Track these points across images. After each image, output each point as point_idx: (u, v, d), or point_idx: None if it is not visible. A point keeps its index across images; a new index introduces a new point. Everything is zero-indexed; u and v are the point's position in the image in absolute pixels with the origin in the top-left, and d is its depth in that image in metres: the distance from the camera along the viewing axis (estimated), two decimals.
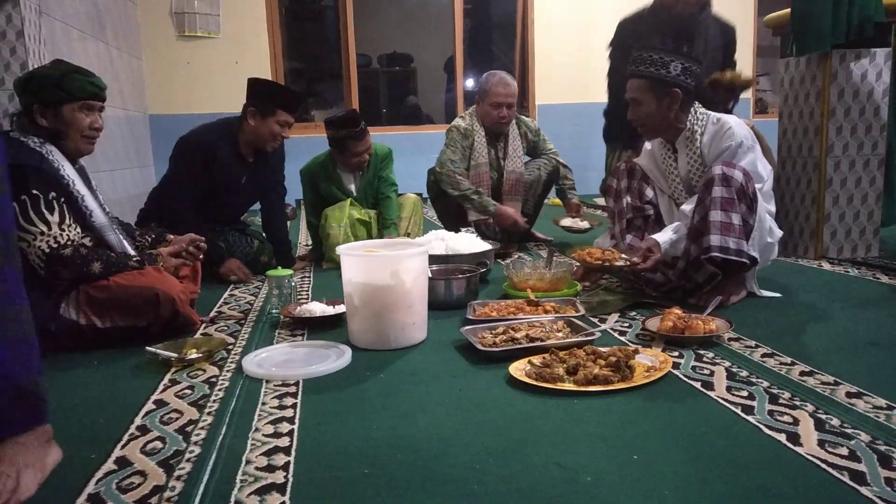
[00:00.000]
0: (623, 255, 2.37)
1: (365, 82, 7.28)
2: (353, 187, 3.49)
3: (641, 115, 2.39)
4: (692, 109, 2.39)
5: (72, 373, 1.89)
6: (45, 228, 2.00)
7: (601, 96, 6.49)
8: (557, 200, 4.16)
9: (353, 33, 6.62)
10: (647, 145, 2.60)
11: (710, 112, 2.40)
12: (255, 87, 3.07)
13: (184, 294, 2.18)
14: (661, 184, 2.54)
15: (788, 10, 3.07)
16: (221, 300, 2.71)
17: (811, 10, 2.80)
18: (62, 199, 2.05)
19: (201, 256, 2.44)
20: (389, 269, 1.94)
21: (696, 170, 2.40)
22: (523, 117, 3.86)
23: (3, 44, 3.48)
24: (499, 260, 3.19)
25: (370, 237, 3.39)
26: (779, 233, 2.43)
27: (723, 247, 2.19)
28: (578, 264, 2.48)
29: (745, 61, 7.19)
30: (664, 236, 2.31)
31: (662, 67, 2.32)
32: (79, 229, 2.09)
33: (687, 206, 2.34)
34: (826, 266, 2.99)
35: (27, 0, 3.56)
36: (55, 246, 2.00)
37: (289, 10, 7.00)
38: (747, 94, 7.25)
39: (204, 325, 2.32)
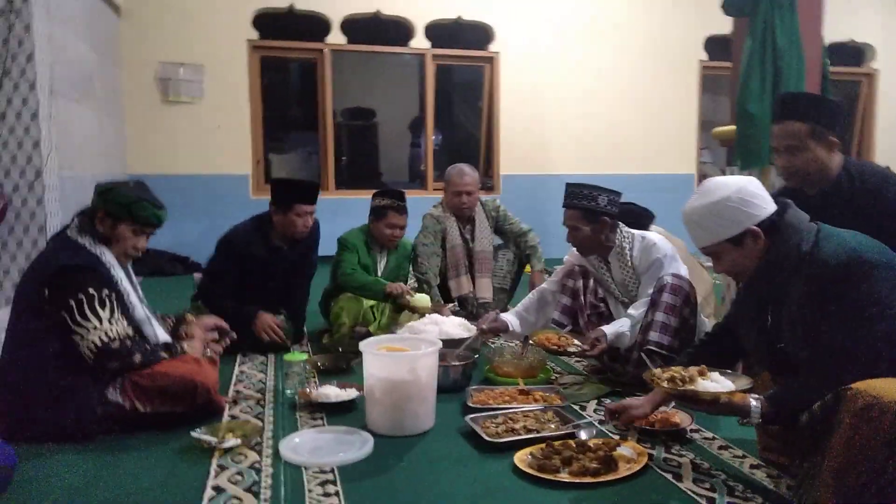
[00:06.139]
0: (576, 342, 2.79)
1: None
2: (381, 267, 3.80)
3: (579, 238, 2.86)
4: (618, 230, 2.86)
5: (128, 455, 2.14)
6: (97, 324, 2.24)
7: (560, 169, 7.03)
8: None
9: (331, 92, 6.92)
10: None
11: (633, 231, 2.88)
12: (274, 188, 3.46)
13: (216, 383, 2.44)
14: (604, 285, 2.98)
15: (732, 126, 3.58)
16: (234, 377, 2.95)
17: (752, 133, 3.30)
18: (113, 296, 2.31)
19: (227, 342, 2.71)
20: (408, 366, 2.26)
21: (630, 277, 2.87)
22: (486, 199, 4.26)
23: (18, 124, 3.70)
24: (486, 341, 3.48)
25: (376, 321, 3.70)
26: (706, 321, 2.89)
27: (659, 343, 2.64)
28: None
29: (688, 134, 7.83)
30: (610, 328, 2.75)
31: (592, 200, 2.78)
32: (125, 323, 2.33)
33: (633, 310, 2.78)
34: None
35: (42, 82, 3.80)
36: (106, 340, 2.24)
37: (263, 67, 7.19)
38: (691, 170, 7.86)
39: (228, 405, 2.58)
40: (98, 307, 2.25)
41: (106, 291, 2.28)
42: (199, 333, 2.69)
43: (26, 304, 2.32)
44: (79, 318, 2.22)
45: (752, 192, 1.82)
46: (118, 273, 2.39)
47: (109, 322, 2.26)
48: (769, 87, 3.59)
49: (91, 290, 2.25)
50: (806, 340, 1.77)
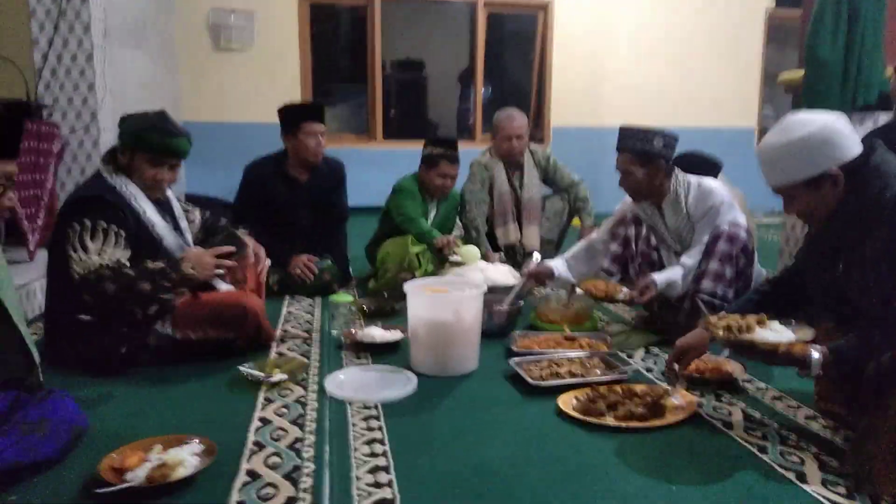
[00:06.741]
0: (624, 289, 2.71)
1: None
2: (430, 216, 3.78)
3: (632, 183, 2.71)
4: (674, 175, 2.71)
5: (177, 387, 2.19)
6: (82, 255, 2.18)
7: (613, 121, 6.82)
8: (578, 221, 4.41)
9: (380, 40, 6.85)
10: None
11: (689, 177, 2.73)
12: (281, 114, 3.46)
13: (263, 309, 2.49)
14: (656, 232, 2.87)
15: (801, 72, 3.38)
16: (282, 318, 2.99)
17: (821, 81, 3.12)
18: (112, 227, 2.23)
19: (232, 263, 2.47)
20: (452, 307, 2.24)
21: (685, 225, 2.74)
22: (535, 147, 4.15)
23: (73, 66, 3.75)
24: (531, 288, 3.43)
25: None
26: (762, 271, 2.78)
27: (712, 292, 2.55)
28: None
29: (751, 86, 7.51)
30: (661, 276, 2.65)
31: (647, 143, 2.64)
32: (118, 255, 2.22)
33: (686, 258, 2.67)
34: None
35: (96, 25, 3.83)
36: (82, 272, 2.17)
37: (313, 16, 7.12)
38: (751, 123, 7.55)
39: (276, 342, 2.61)
40: (88, 238, 2.20)
41: (103, 223, 2.22)
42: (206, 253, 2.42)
43: (55, 237, 2.35)
44: (69, 248, 2.20)
45: (837, 130, 1.68)
46: (142, 204, 2.35)
47: (98, 254, 2.20)
48: (842, 31, 3.37)
49: (86, 220, 2.20)
50: (877, 293, 1.67)
